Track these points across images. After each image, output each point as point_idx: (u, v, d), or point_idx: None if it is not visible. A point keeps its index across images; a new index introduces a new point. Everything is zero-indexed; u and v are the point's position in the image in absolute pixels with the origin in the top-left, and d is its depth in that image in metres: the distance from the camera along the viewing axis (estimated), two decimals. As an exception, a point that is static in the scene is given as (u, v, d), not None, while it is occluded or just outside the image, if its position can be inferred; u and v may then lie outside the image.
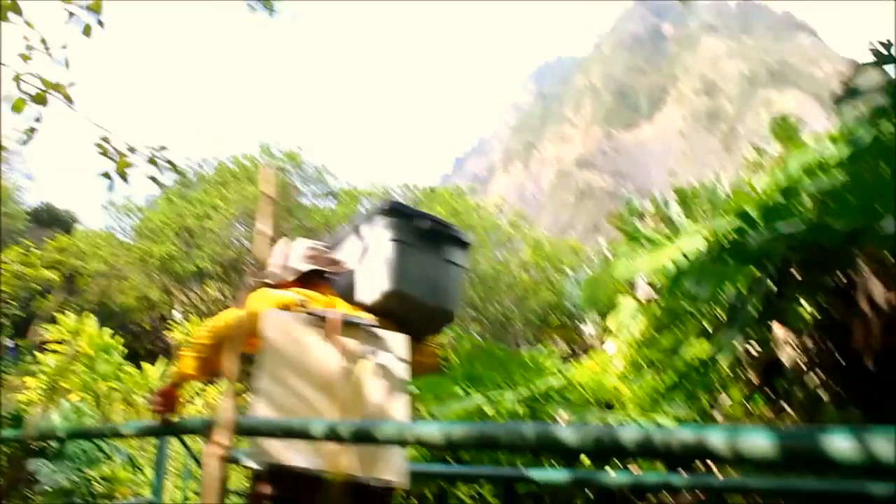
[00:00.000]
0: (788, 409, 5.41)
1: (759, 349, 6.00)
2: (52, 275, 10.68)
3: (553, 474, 4.20)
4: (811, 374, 5.23)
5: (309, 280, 3.51)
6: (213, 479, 1.78)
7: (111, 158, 4.49)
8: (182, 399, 3.52)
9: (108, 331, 14.02)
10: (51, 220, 37.63)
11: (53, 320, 13.51)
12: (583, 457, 5.95)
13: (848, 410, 4.49)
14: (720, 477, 4.53)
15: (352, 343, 3.17)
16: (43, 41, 4.50)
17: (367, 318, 3.32)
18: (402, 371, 3.24)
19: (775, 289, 4.77)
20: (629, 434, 1.63)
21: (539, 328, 29.68)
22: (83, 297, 32.13)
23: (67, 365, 12.96)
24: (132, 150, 4.39)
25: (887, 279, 3.91)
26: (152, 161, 4.41)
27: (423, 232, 3.52)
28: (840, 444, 1.28)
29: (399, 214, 3.48)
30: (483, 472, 5.11)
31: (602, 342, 8.22)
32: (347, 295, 3.50)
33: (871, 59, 3.95)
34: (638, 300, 6.42)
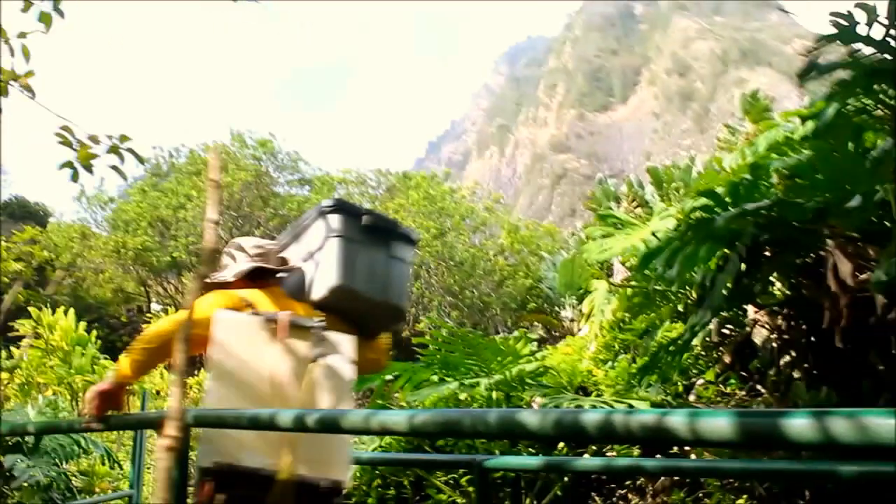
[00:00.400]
0: (762, 390, 5.42)
1: (731, 330, 6.01)
2: (19, 266, 10.49)
3: (527, 460, 4.18)
4: (783, 353, 5.23)
5: (258, 278, 3.53)
6: (163, 471, 1.75)
7: (73, 149, 4.39)
8: (125, 397, 3.53)
9: (83, 324, 13.87)
10: (23, 214, 37.22)
11: (26, 314, 13.36)
12: (561, 444, 5.95)
13: (820, 390, 4.49)
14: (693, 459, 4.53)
15: (299, 344, 3.21)
16: (-1, 30, 4.38)
17: (316, 317, 3.34)
18: (349, 372, 3.29)
19: (744, 268, 4.75)
20: (590, 418, 1.60)
21: (517, 313, 29.72)
22: (58, 291, 31.90)
23: (42, 359, 12.82)
24: (94, 140, 4.28)
25: (854, 256, 3.89)
26: (114, 150, 4.30)
27: (368, 229, 3.53)
28: (798, 425, 1.26)
29: (344, 212, 3.50)
30: (455, 458, 5.06)
31: (580, 326, 8.21)
32: (298, 293, 3.52)
33: (833, 31, 3.91)
34: (610, 283, 6.39)
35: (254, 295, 3.36)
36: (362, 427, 2.38)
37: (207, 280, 3.52)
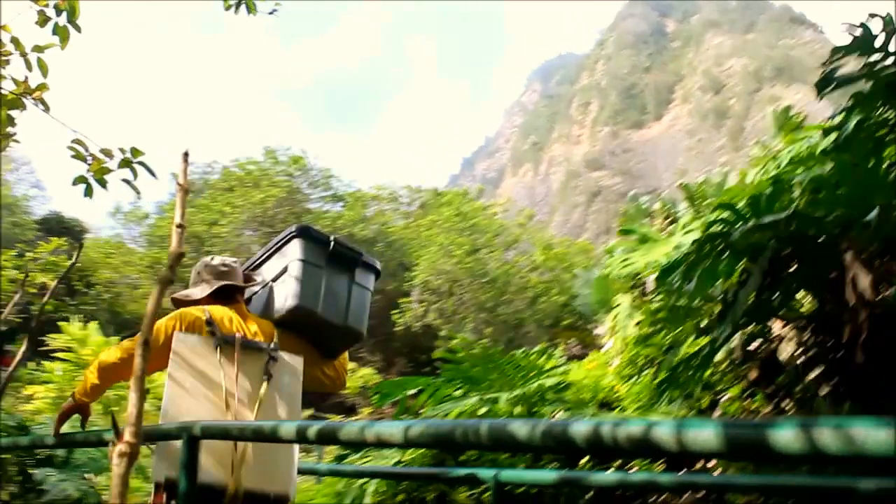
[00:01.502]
0: (787, 406, 5.34)
1: (757, 345, 5.94)
2: (47, 279, 10.59)
3: (542, 474, 4.15)
4: (810, 369, 5.16)
5: (223, 296, 3.71)
6: (117, 477, 1.77)
7: (86, 162, 4.42)
8: (88, 415, 3.84)
9: (115, 339, 13.95)
10: (60, 230, 37.64)
11: (56, 328, 13.47)
12: (584, 458, 5.90)
13: (842, 406, 4.43)
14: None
15: (252, 364, 3.41)
16: (15, 41, 4.43)
17: (275, 334, 3.57)
18: (297, 390, 3.50)
19: (765, 282, 4.70)
20: (578, 429, 1.60)
21: (551, 330, 29.61)
22: (96, 306, 32.18)
23: (73, 373, 12.92)
24: (108, 153, 4.31)
25: (874, 270, 3.84)
26: (126, 164, 4.32)
27: (332, 255, 3.74)
28: (785, 436, 1.25)
29: (310, 237, 3.72)
30: (467, 472, 5.03)
31: (605, 341, 8.17)
32: (263, 310, 3.74)
33: (851, 43, 3.88)
34: (634, 297, 6.36)
35: (217, 312, 3.55)
36: (358, 439, 2.42)
37: (177, 297, 3.80)
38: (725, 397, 5.90)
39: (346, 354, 3.96)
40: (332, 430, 2.50)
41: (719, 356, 5.74)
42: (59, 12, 4.55)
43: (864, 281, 3.73)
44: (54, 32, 4.50)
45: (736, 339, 5.68)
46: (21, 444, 7.24)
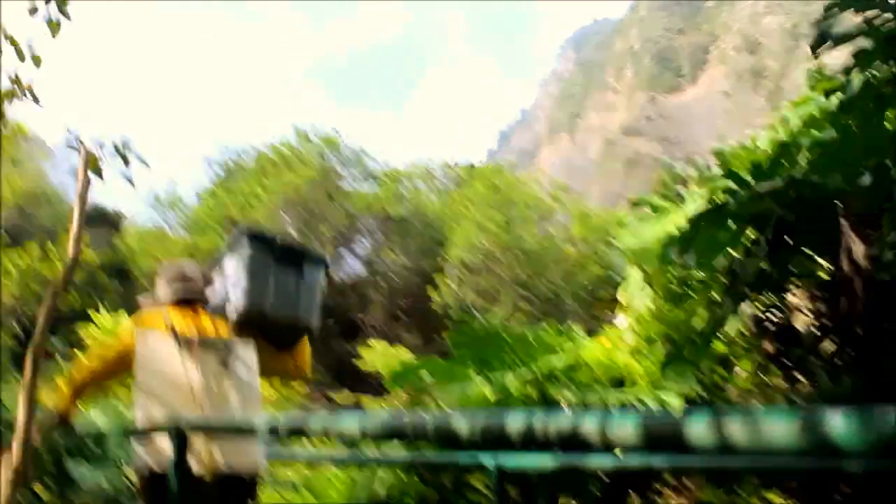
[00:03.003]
0: (803, 379, 5.17)
1: (772, 316, 5.76)
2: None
3: (541, 458, 4.07)
4: (823, 339, 4.99)
5: (183, 300, 4.03)
6: (5, 498, 1.74)
7: (78, 153, 4.41)
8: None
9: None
10: (99, 219, 38.04)
11: (88, 319, 13.64)
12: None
13: (842, 379, 4.27)
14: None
15: (210, 360, 3.73)
16: (10, 38, 4.42)
17: (225, 335, 3.90)
18: (254, 380, 3.86)
19: (773, 250, 4.53)
20: (513, 421, 1.70)
21: (589, 303, 29.39)
22: (137, 293, 32.45)
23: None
24: (101, 144, 4.32)
25: (868, 237, 3.67)
26: (120, 154, 4.32)
27: (277, 253, 4.01)
28: (697, 429, 1.32)
29: (256, 239, 4.01)
30: (470, 460, 4.96)
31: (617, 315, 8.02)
32: (220, 310, 4.01)
33: None
34: (644, 271, 6.19)
35: (176, 315, 3.89)
36: (321, 430, 2.67)
37: (142, 300, 4.25)
38: (742, 373, 5.75)
39: (307, 345, 4.23)
40: (300, 424, 2.83)
41: (733, 329, 5.58)
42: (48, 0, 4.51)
43: (858, 250, 3.56)
44: (48, 25, 4.48)
45: (748, 310, 5.51)
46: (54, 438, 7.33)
